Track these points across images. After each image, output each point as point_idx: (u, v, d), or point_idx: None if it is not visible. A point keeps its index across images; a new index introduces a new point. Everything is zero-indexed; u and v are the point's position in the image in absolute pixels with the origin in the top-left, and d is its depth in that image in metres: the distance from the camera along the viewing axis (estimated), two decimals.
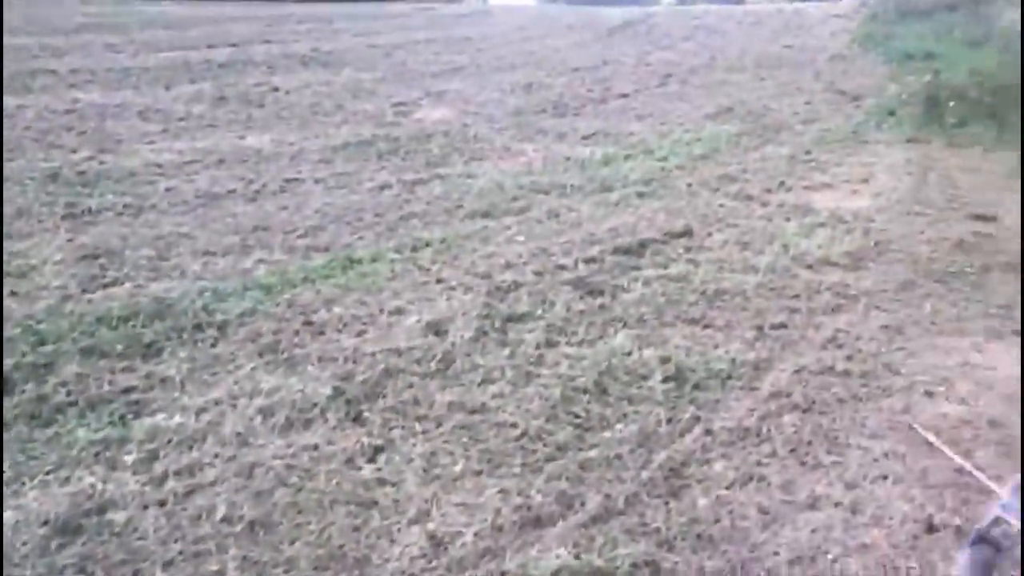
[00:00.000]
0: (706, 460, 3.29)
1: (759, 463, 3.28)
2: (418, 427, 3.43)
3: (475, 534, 2.81)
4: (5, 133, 8.12)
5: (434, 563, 2.68)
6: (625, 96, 11.60)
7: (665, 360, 3.97)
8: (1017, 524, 1.35)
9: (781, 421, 3.57)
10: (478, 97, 11.17)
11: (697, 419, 3.56)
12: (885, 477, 3.22)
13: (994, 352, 4.34)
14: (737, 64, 14.37)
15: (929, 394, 3.89)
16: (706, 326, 4.49)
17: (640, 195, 6.98)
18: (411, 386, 3.73)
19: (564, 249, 5.47)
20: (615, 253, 5.40)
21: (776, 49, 16.15)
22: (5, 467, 3.06)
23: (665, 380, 3.83)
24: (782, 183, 7.57)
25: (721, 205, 6.79)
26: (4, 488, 2.94)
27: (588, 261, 5.22)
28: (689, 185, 7.42)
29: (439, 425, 3.44)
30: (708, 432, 3.47)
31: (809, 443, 3.43)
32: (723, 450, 3.36)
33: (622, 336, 4.21)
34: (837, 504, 3.04)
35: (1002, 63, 12.01)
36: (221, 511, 2.86)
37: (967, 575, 1.35)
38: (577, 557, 2.71)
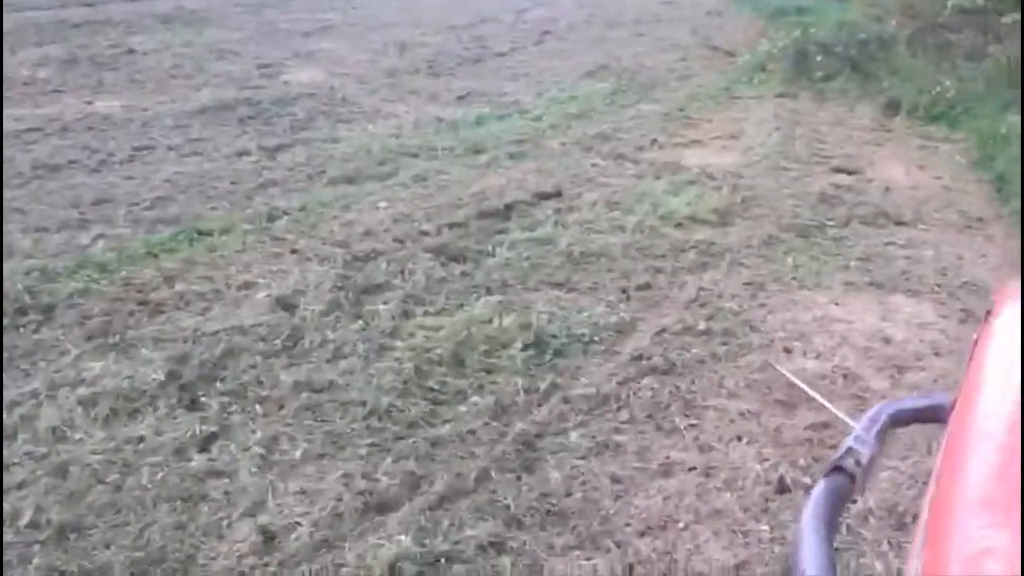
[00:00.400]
0: (562, 430, 3.19)
1: (615, 430, 3.20)
2: (259, 410, 3.22)
3: (313, 524, 2.63)
4: None
5: (265, 559, 2.50)
6: (501, 55, 11.39)
7: (526, 327, 3.85)
8: (867, 453, 1.35)
9: (640, 385, 3.50)
10: (349, 57, 10.79)
11: (555, 387, 3.45)
12: (740, 438, 3.18)
13: (852, 306, 4.38)
14: (615, 20, 14.32)
15: (787, 350, 3.88)
16: (571, 289, 4.39)
17: (511, 156, 6.82)
18: (254, 366, 3.50)
19: (428, 214, 5.28)
20: (481, 217, 5.24)
21: (654, 5, 16.17)
22: None
23: (525, 348, 3.70)
24: (654, 140, 7.54)
25: (593, 165, 6.70)
26: None
27: (452, 226, 5.04)
28: (563, 144, 7.31)
29: (281, 407, 3.24)
30: (566, 401, 3.36)
31: (667, 407, 3.37)
32: (580, 419, 3.26)
33: (483, 304, 4.07)
34: (691, 469, 2.98)
35: (866, 15, 12.34)
36: (27, 516, 2.60)
37: (820, 505, 1.27)
38: (420, 543, 2.57)
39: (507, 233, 5.03)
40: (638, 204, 5.74)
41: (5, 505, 2.65)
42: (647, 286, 4.49)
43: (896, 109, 8.63)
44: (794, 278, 4.69)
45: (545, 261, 4.67)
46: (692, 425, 3.25)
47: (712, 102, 9.16)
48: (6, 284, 4.08)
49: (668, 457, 3.05)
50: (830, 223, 5.58)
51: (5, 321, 3.77)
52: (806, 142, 7.68)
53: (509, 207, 5.45)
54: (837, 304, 4.41)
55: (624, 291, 4.41)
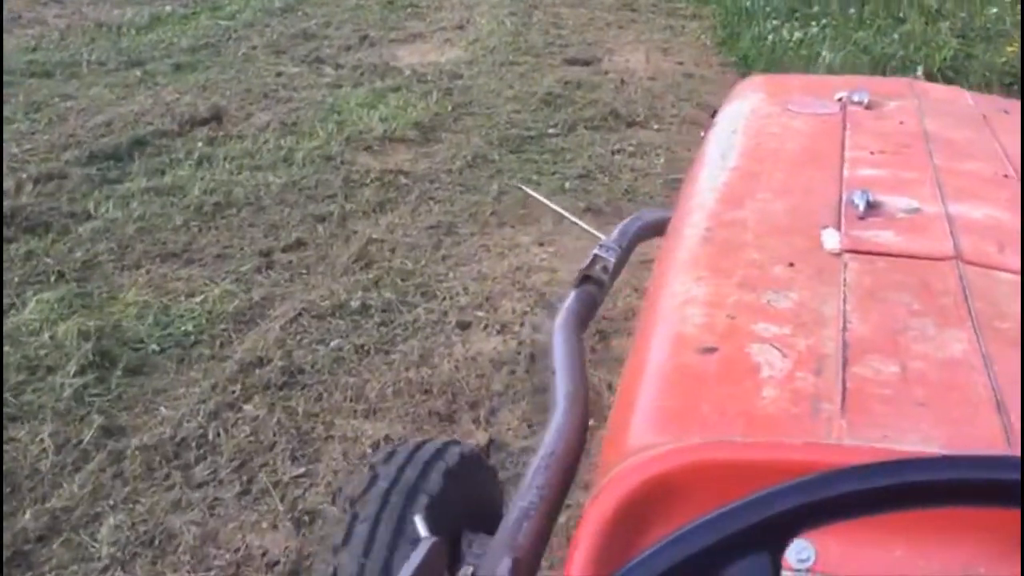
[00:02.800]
0: (82, 522, 2.12)
1: (174, 508, 2.16)
2: None
3: None
4: None
5: None
6: None
7: (88, 335, 2.72)
8: (613, 260, 1.47)
9: (240, 416, 2.48)
10: None
11: (108, 435, 2.38)
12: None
13: (561, 246, 3.51)
14: None
15: (463, 325, 2.96)
16: (189, 262, 3.27)
17: (177, 68, 5.47)
18: None
19: (19, 162, 3.95)
20: (91, 162, 3.96)
21: None
22: None
23: (81, 371, 2.59)
24: (366, 37, 6.35)
25: (279, 74, 5.47)
26: None
27: (43, 179, 3.74)
28: (252, 49, 6.00)
29: None
30: (117, 460, 2.30)
31: (270, 449, 2.37)
32: (125, 494, 2.20)
33: (37, 303, 2.89)
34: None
35: None
36: None
37: (570, 313, 1.36)
38: None
39: (121, 183, 3.80)
40: (321, 124, 4.62)
41: None
42: (299, 244, 3.43)
43: None
44: (494, 212, 3.76)
45: (163, 222, 3.51)
46: (298, 478, 2.28)
47: None
48: None
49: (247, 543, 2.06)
50: (551, 131, 4.68)
51: None
52: (542, 29, 6.72)
53: (139, 143, 4.18)
54: (542, 245, 3.53)
55: (266, 255, 3.34)
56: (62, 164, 3.87)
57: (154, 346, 2.75)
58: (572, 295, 1.44)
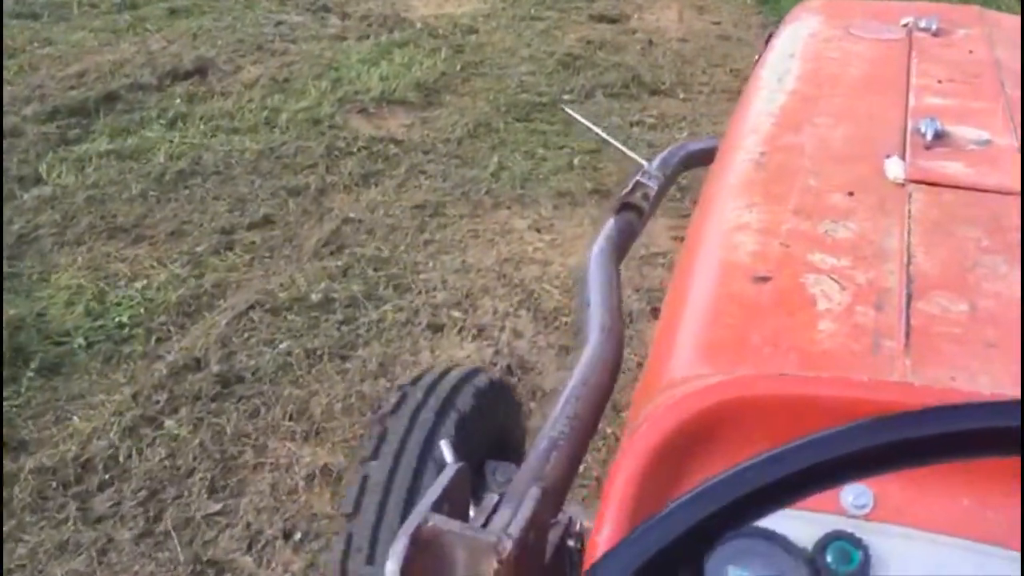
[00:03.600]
0: None
1: (55, 552, 1.85)
2: None
3: None
4: None
5: None
6: None
7: (6, 327, 2.40)
8: (655, 187, 1.42)
9: (160, 433, 2.15)
10: None
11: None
12: (291, 534, 1.91)
13: (558, 233, 3.13)
14: None
15: (436, 328, 2.60)
16: (138, 239, 2.93)
17: (171, 13, 5.09)
18: None
19: None
20: (53, 118, 3.61)
21: None
22: None
23: None
24: None
25: (279, 23, 5.07)
26: None
27: None
28: None
29: None
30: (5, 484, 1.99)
31: (187, 476, 2.04)
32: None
33: None
34: None
35: None
36: None
37: (607, 240, 1.30)
38: None
39: (81, 143, 3.45)
40: (315, 82, 4.24)
41: None
42: (266, 222, 3.08)
43: None
44: (488, 191, 3.37)
45: (117, 191, 3.16)
46: (213, 516, 1.94)
47: None
48: None
49: None
50: (566, 96, 4.26)
51: None
52: None
53: (110, 98, 3.83)
54: (539, 232, 3.14)
55: (227, 234, 2.99)
56: (19, 120, 3.53)
57: (80, 340, 2.43)
58: (610, 222, 1.39)
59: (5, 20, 4.76)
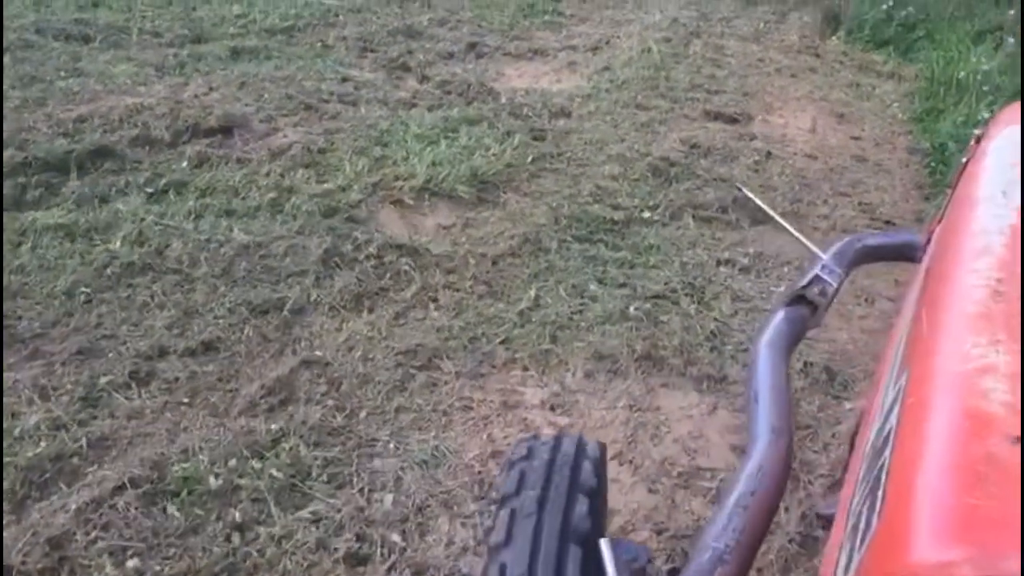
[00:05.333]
0: None
1: None
2: None
3: None
4: None
5: None
6: None
7: None
8: (834, 284, 1.38)
9: None
10: None
11: None
12: None
13: (583, 414, 2.34)
14: None
15: (356, 559, 1.86)
16: (31, 356, 2.30)
17: (233, 54, 4.64)
18: None
19: None
20: (21, 171, 3.07)
21: None
22: None
23: None
24: (476, 45, 5.31)
25: (346, 79, 4.52)
26: None
27: None
28: (341, 39, 5.09)
29: None
30: None
31: None
32: None
33: None
34: None
35: None
36: None
37: (777, 333, 1.26)
38: None
39: (37, 208, 2.88)
40: (354, 159, 3.62)
41: None
42: (207, 350, 2.41)
43: (835, 24, 6.36)
44: (506, 339, 2.62)
45: (40, 284, 2.55)
46: None
47: None
48: None
49: None
50: (646, 214, 3.48)
51: None
52: (693, 64, 5.46)
53: (100, 153, 3.27)
54: (554, 410, 2.38)
55: (148, 361, 2.34)
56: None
57: None
58: (782, 313, 1.33)
59: (50, 41, 4.35)
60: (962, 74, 4.74)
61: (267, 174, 3.36)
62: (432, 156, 3.73)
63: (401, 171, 3.57)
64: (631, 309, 2.84)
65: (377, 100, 4.28)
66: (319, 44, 4.91)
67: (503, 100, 4.52)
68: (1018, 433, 0.71)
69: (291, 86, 4.23)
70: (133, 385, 2.25)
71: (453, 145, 3.88)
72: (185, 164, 3.33)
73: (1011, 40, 5.06)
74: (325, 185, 3.36)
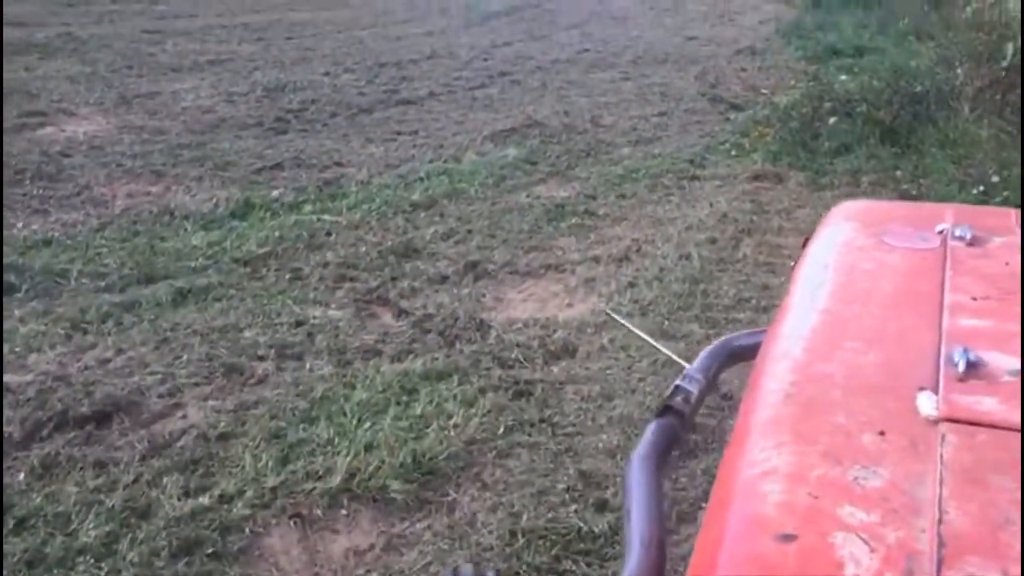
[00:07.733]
0: None
1: None
2: None
3: None
4: None
5: None
6: (409, 103, 8.50)
7: None
8: (695, 391, 1.38)
9: None
10: (180, 103, 8.05)
11: None
12: None
13: None
14: (607, 60, 11.22)
15: None
16: None
17: (179, 297, 3.91)
18: None
19: None
20: None
21: (676, 40, 13.02)
22: None
23: None
24: (478, 264, 4.52)
25: (300, 323, 3.73)
26: None
27: None
28: (322, 266, 4.38)
29: None
30: None
31: None
32: None
33: None
34: None
35: (934, 58, 8.85)
36: None
37: (649, 446, 1.25)
38: None
39: None
40: (260, 448, 2.77)
41: None
42: None
43: None
44: None
45: None
46: None
47: (650, 185, 6.06)
48: None
49: None
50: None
51: None
52: (742, 272, 4.52)
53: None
54: None
55: None
56: None
57: None
58: (651, 427, 1.32)
59: None
60: None
61: (125, 486, 2.53)
62: (369, 436, 2.87)
63: (317, 465, 2.70)
64: None
65: (329, 351, 3.48)
66: (288, 276, 4.20)
67: (491, 339, 3.67)
68: (788, 531, 0.75)
69: (223, 341, 3.48)
70: None
71: (404, 415, 3.02)
72: (23, 476, 2.54)
73: None
74: (200, 500, 2.50)
